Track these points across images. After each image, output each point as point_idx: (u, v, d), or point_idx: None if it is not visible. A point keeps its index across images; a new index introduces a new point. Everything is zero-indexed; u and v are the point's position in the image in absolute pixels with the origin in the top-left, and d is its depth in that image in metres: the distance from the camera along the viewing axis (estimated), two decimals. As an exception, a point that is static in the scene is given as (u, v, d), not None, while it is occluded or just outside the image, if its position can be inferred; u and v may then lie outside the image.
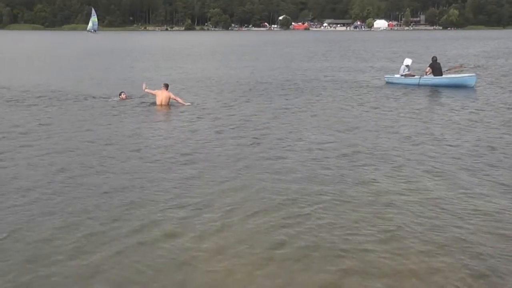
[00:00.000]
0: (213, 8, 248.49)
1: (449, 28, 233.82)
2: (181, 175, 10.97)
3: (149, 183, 10.38)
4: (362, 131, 15.51)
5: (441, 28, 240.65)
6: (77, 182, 10.43)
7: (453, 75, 26.23)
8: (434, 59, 25.94)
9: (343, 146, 13.52)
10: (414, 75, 26.50)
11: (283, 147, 13.44)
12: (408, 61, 27.15)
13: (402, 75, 26.70)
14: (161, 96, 19.63)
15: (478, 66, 36.91)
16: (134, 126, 16.34)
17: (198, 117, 17.87)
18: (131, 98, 21.39)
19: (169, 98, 19.71)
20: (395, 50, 65.47)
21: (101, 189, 10.05)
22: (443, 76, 25.81)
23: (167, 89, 19.84)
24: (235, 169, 11.37)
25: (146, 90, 20.15)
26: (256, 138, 14.56)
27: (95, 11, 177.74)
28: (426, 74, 25.95)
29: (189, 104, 20.18)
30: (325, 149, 13.13)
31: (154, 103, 19.91)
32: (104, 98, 21.97)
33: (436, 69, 25.72)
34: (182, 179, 10.66)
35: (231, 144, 13.83)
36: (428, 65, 26.58)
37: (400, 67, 27.41)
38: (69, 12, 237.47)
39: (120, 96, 21.28)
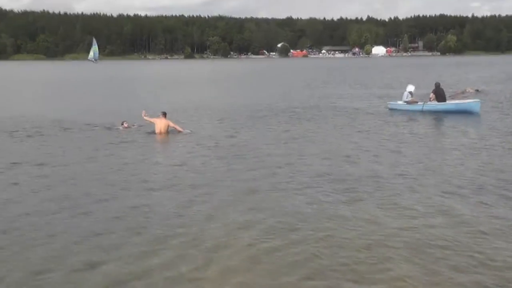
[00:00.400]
0: (212, 36, 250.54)
1: (448, 54, 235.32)
2: (185, 203, 10.89)
3: (152, 212, 10.34)
4: (366, 158, 15.32)
5: (439, 54, 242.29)
6: (81, 210, 10.41)
7: (457, 101, 26.12)
8: (438, 85, 25.85)
9: (345, 174, 13.32)
10: (417, 102, 26.36)
11: (285, 175, 13.24)
12: (411, 88, 27.02)
13: (405, 102, 26.57)
14: (160, 124, 19.65)
15: (480, 91, 36.86)
16: (138, 155, 16.24)
17: (199, 145, 17.77)
18: (133, 127, 21.27)
19: (168, 126, 19.76)
20: (395, 76, 65.53)
21: (104, 217, 10.03)
22: (447, 102, 25.71)
23: (165, 117, 19.90)
24: (238, 197, 11.24)
25: (145, 118, 20.14)
26: (258, 166, 14.41)
27: (96, 40, 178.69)
28: (430, 100, 25.81)
29: (188, 131, 20.15)
30: (328, 177, 12.93)
31: (153, 132, 19.88)
32: (106, 127, 21.84)
33: (439, 95, 25.60)
34: (186, 208, 10.58)
35: (234, 172, 13.71)
36: (431, 91, 26.46)
37: (403, 93, 27.27)
38: (71, 42, 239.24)
39: (122, 125, 21.21)
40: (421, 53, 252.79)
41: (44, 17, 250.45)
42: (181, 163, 14.91)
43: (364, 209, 10.32)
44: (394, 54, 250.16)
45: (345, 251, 8.27)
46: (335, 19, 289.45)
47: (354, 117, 24.96)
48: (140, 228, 9.33)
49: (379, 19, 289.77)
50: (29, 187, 12.20)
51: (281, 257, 8.06)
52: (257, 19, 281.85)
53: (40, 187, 12.23)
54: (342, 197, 11.14)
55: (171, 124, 19.91)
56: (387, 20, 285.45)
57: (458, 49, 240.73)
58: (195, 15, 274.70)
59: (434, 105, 25.57)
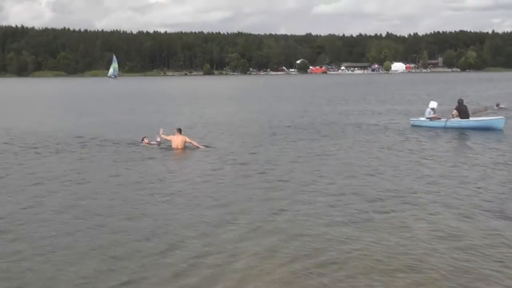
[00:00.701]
0: (232, 53, 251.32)
1: (467, 70, 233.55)
2: (210, 219, 10.93)
3: (177, 228, 10.38)
4: (389, 174, 15.21)
5: (459, 70, 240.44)
6: (106, 226, 10.54)
7: (481, 118, 25.78)
8: (461, 102, 25.59)
9: (370, 190, 13.22)
10: (440, 118, 26.08)
11: (308, 191, 13.19)
12: (433, 104, 26.78)
13: (427, 118, 26.29)
14: (177, 141, 20.08)
15: (504, 108, 36.37)
16: (160, 171, 16.31)
17: (220, 161, 17.89)
18: (154, 143, 21.21)
19: (185, 142, 20.13)
20: (415, 92, 65.18)
21: (130, 234, 10.05)
22: (471, 118, 25.38)
23: (180, 133, 20.31)
24: (262, 213, 11.27)
25: (162, 135, 20.56)
26: (280, 182, 14.40)
27: (116, 57, 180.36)
28: (452, 117, 25.50)
29: (204, 147, 20.38)
30: (352, 193, 12.86)
31: (171, 148, 20.22)
32: (128, 143, 21.86)
33: (462, 111, 25.30)
34: (210, 224, 10.60)
35: (256, 187, 13.74)
36: (454, 107, 26.17)
37: (426, 109, 27.01)
38: (91, 59, 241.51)
39: (143, 142, 21.21)
40: (440, 69, 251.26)
41: (65, 34, 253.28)
42: (205, 180, 14.94)
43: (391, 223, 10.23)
44: (413, 70, 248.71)
45: (380, 273, 8.10)
46: (354, 35, 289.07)
47: (377, 133, 24.78)
48: (168, 248, 9.31)
49: (398, 35, 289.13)
50: (53, 204, 12.16)
51: (310, 276, 7.97)
52: (276, 35, 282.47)
53: (64, 204, 12.17)
54: (369, 214, 11.03)
55: (188, 140, 20.30)
56: (406, 36, 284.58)
57: (478, 65, 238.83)
58: (214, 32, 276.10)
59: (457, 121, 25.24)
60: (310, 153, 19.37)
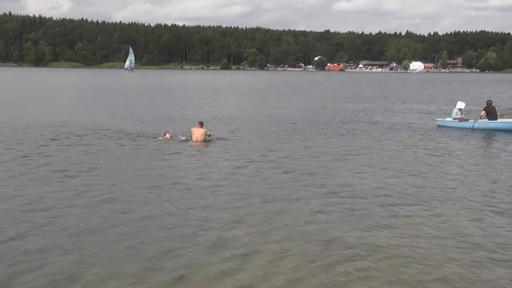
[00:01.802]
0: (249, 48, 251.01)
1: (487, 71, 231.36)
2: (230, 213, 10.80)
3: (199, 220, 10.27)
4: (417, 174, 14.85)
5: (478, 71, 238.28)
6: (130, 216, 10.46)
7: (509, 120, 24.97)
8: (489, 103, 24.90)
9: (399, 189, 12.98)
10: (467, 119, 25.39)
11: (330, 191, 12.76)
12: (461, 105, 26.15)
13: (454, 119, 25.61)
14: (197, 133, 20.23)
15: None
16: (183, 165, 16.12)
17: (238, 155, 17.87)
18: (176, 138, 20.83)
19: (204, 135, 20.25)
20: (436, 92, 64.47)
21: (151, 223, 10.04)
22: (499, 120, 24.63)
23: (201, 126, 20.44)
24: (281, 209, 11.08)
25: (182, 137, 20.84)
26: (301, 180, 14.03)
27: (134, 49, 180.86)
28: (481, 118, 24.80)
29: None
30: (375, 192, 12.63)
31: (191, 140, 20.33)
32: (149, 137, 21.46)
33: (491, 112, 24.59)
34: (230, 219, 10.42)
35: (276, 182, 13.63)
36: (482, 108, 25.48)
37: (453, 110, 26.37)
38: (108, 51, 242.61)
39: (165, 136, 20.87)
40: (459, 69, 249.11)
41: (83, 25, 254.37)
42: (226, 173, 14.83)
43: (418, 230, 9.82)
44: (432, 70, 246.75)
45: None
46: (373, 33, 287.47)
47: (401, 133, 24.24)
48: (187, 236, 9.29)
49: (418, 34, 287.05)
50: (77, 197, 11.83)
51: (330, 274, 7.83)
52: (294, 31, 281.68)
53: (87, 197, 11.83)
54: (392, 211, 10.90)
55: (208, 133, 20.45)
56: (426, 35, 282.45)
57: (498, 66, 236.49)
58: (232, 26, 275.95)
59: (485, 123, 24.55)
60: (334, 150, 19.01)
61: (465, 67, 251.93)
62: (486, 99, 26.14)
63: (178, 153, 18.05)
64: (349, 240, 9.13)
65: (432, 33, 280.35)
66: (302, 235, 9.38)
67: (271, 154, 17.88)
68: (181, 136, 20.83)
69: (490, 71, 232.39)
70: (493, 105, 25.11)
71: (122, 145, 19.64)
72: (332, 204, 11.40)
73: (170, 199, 11.72)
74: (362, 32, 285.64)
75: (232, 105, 40.78)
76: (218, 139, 21.00)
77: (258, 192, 12.45)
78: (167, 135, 20.90)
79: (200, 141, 20.08)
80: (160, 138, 20.87)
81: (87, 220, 10.02)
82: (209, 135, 20.47)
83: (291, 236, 9.32)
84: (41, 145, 19.09)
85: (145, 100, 46.00)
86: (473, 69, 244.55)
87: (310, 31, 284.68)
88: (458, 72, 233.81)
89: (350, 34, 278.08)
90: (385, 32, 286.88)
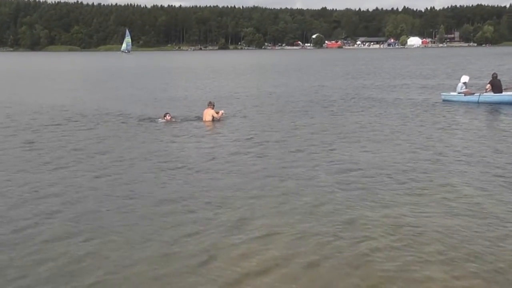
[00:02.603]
0: (247, 28, 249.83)
1: (484, 45, 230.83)
2: (246, 194, 10.68)
3: (215, 202, 10.12)
4: (427, 149, 14.78)
5: (475, 45, 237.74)
6: (145, 201, 10.29)
7: (515, 92, 24.81)
8: (495, 76, 24.70)
9: (407, 164, 12.94)
10: (472, 93, 25.25)
11: (345, 168, 12.71)
12: (465, 78, 25.97)
13: (459, 93, 25.48)
14: (206, 114, 20.67)
15: None
16: (191, 146, 15.93)
17: (249, 134, 17.66)
18: (176, 120, 20.71)
19: (212, 115, 20.54)
20: (436, 67, 63.99)
21: (168, 207, 9.92)
22: (504, 93, 24.49)
23: (212, 108, 20.79)
24: (297, 188, 10.95)
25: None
26: (304, 155, 14.18)
27: (130, 32, 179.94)
28: (486, 91, 24.65)
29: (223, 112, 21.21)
30: (387, 169, 12.51)
31: (200, 120, 20.68)
32: (149, 118, 21.32)
33: (496, 86, 24.41)
34: (246, 200, 10.28)
35: (288, 161, 13.50)
36: (488, 81, 25.32)
37: (457, 84, 26.21)
38: (104, 34, 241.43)
39: (166, 118, 20.62)
40: (457, 44, 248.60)
41: (78, 8, 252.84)
42: (226, 151, 14.92)
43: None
44: (430, 45, 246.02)
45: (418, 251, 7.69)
46: (370, 9, 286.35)
47: (407, 108, 24.00)
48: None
49: (415, 9, 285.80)
50: (90, 181, 11.67)
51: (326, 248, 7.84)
52: (292, 9, 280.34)
53: (99, 182, 11.66)
54: (403, 190, 10.71)
55: (215, 114, 20.65)
56: (423, 10, 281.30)
57: (494, 40, 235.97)
58: (229, 6, 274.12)
59: (491, 96, 24.40)
60: (341, 128, 18.88)
61: (462, 41, 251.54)
62: (491, 73, 25.91)
63: (185, 134, 17.90)
64: (369, 218, 9.01)
65: (429, 8, 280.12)
66: (321, 214, 9.26)
67: (277, 134, 17.75)
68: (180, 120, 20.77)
69: (487, 44, 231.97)
70: (498, 78, 24.93)
71: (127, 128, 19.48)
72: (346, 182, 11.28)
73: (184, 181, 11.58)
74: (359, 9, 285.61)
75: (233, 85, 40.64)
76: (225, 119, 20.92)
77: (271, 172, 12.30)
78: (168, 117, 20.60)
79: (208, 121, 20.33)
80: (160, 120, 20.60)
81: (102, 206, 9.87)
82: (219, 116, 20.62)
83: (310, 216, 9.19)
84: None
85: (144, 82, 45.79)
86: (470, 43, 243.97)
87: (307, 9, 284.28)
88: (456, 46, 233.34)
89: (347, 11, 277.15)
90: (382, 8, 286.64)
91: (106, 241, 8.19)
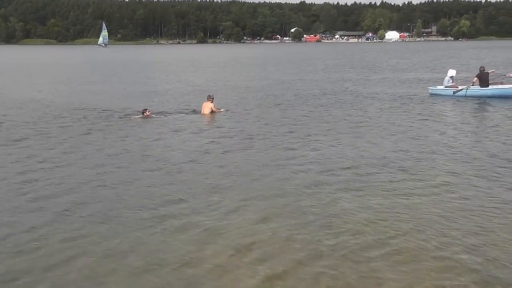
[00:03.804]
0: (225, 21, 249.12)
1: (461, 39, 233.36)
2: (214, 183, 10.83)
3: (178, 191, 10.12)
4: (413, 142, 14.77)
5: (452, 39, 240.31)
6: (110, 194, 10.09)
7: (502, 86, 24.96)
8: (482, 70, 24.73)
9: (391, 158, 12.85)
10: (458, 86, 25.38)
11: (320, 159, 12.78)
12: (452, 72, 26.04)
13: (446, 87, 25.59)
14: (205, 106, 20.84)
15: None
16: (162, 141, 15.48)
17: (228, 130, 17.27)
18: (155, 115, 20.21)
19: (211, 109, 20.72)
20: (418, 61, 64.32)
21: (133, 196, 10.00)
22: (490, 87, 24.64)
23: (210, 101, 20.89)
24: (279, 185, 10.69)
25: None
26: (291, 150, 14.02)
27: (108, 25, 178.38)
28: (472, 85, 24.78)
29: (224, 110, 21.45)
30: (371, 161, 12.49)
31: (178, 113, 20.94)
32: (128, 114, 20.67)
33: (483, 80, 24.53)
34: (214, 187, 10.56)
35: (271, 158, 13.16)
36: (475, 75, 25.46)
37: (444, 78, 26.31)
38: (81, 27, 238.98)
39: (145, 113, 19.91)
40: (434, 38, 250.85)
41: (54, 1, 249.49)
42: (215, 145, 14.72)
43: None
44: (407, 39, 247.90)
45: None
46: (348, 4, 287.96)
47: (394, 102, 23.87)
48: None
49: (393, 4, 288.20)
50: (92, 181, 11.16)
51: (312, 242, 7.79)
52: (270, 3, 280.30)
53: (100, 181, 11.16)
54: (384, 183, 10.70)
55: (213, 108, 20.87)
56: (401, 5, 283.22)
57: (471, 34, 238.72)
58: (208, 0, 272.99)
59: (478, 90, 24.51)
60: (323, 121, 18.75)
61: (440, 35, 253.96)
62: (476, 66, 26.05)
63: (164, 130, 17.45)
64: (351, 210, 9.06)
65: (406, 3, 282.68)
66: (302, 209, 9.18)
67: (259, 128, 17.40)
68: (156, 115, 20.27)
69: (464, 39, 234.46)
70: (485, 71, 25.04)
71: (106, 123, 18.78)
72: (331, 176, 11.18)
73: (163, 178, 11.31)
74: (338, 3, 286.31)
75: (213, 78, 40.40)
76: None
77: (250, 168, 12.00)
78: (147, 112, 19.93)
79: (206, 114, 20.56)
80: (137, 116, 19.88)
81: (108, 206, 9.52)
82: (214, 111, 20.81)
83: (292, 210, 9.13)
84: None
85: (123, 76, 45.10)
86: (448, 37, 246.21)
87: (286, 3, 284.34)
88: (433, 40, 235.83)
89: (326, 5, 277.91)
90: (360, 3, 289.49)
91: (118, 244, 7.92)
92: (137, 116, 19.89)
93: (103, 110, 22.23)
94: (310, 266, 7.02)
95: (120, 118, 19.99)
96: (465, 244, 7.58)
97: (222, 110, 21.30)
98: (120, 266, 7.09)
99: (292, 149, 14.08)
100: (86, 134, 16.84)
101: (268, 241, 7.81)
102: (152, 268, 7.02)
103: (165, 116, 20.35)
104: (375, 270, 6.87)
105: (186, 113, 21.02)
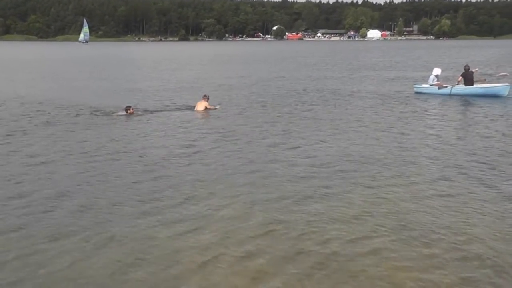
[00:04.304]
0: (207, 19, 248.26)
1: (441, 38, 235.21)
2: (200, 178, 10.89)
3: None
4: (398, 140, 14.88)
5: (433, 38, 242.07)
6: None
7: (486, 85, 25.29)
8: (467, 68, 25.02)
9: (376, 153, 13.08)
10: (443, 85, 25.66)
11: (304, 157, 12.81)
12: (437, 71, 26.25)
13: (431, 85, 25.87)
14: (199, 105, 20.98)
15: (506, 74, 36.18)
16: (147, 138, 15.33)
17: (212, 125, 17.38)
18: (139, 113, 19.96)
19: (205, 107, 20.82)
20: (401, 59, 64.77)
21: (117, 192, 9.98)
22: (475, 85, 24.99)
23: (207, 101, 21.12)
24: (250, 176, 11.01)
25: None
26: (276, 147, 14.00)
27: (90, 21, 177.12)
28: (457, 83, 25.11)
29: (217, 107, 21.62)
30: (355, 158, 12.60)
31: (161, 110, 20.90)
32: (111, 112, 20.31)
33: (468, 78, 24.83)
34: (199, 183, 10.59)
35: (255, 155, 13.11)
36: (460, 74, 25.78)
37: (429, 76, 26.55)
38: (62, 23, 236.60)
39: (128, 111, 19.56)
40: (415, 37, 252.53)
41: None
42: (201, 142, 14.59)
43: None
44: (389, 38, 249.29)
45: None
46: (330, 2, 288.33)
47: (379, 100, 23.95)
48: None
49: (374, 2, 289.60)
50: (86, 179, 11.00)
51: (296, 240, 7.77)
52: (253, 1, 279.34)
53: (95, 182, 10.91)
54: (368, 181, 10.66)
55: (209, 106, 20.99)
56: (382, 4, 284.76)
57: (452, 33, 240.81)
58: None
59: (463, 88, 24.80)
60: (305, 120, 18.71)
61: (421, 34, 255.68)
62: (464, 65, 26.25)
63: (148, 127, 17.34)
64: (334, 208, 9.10)
65: (388, 2, 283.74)
66: (283, 206, 9.18)
67: (243, 126, 17.30)
68: (140, 112, 20.14)
69: (445, 38, 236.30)
70: (470, 70, 25.34)
71: (88, 121, 18.52)
72: (315, 173, 11.26)
73: (146, 174, 11.25)
74: (320, 1, 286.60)
75: (196, 75, 40.33)
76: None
77: (232, 165, 11.99)
78: (131, 110, 19.61)
79: (201, 111, 20.63)
80: (120, 113, 19.59)
81: (91, 203, 9.42)
82: (208, 108, 20.87)
83: (273, 208, 9.10)
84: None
85: (105, 73, 44.69)
86: (429, 36, 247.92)
87: (268, 1, 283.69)
88: (414, 39, 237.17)
89: (308, 3, 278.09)
90: (342, 1, 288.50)
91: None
92: (120, 114, 19.59)
93: (85, 107, 21.95)
94: (294, 262, 7.01)
95: (103, 115, 19.71)
96: (448, 241, 7.64)
97: (217, 107, 21.47)
98: (104, 262, 7.05)
99: (276, 145, 14.12)
100: (68, 131, 16.59)
101: (253, 237, 7.80)
102: (137, 263, 7.00)
103: (149, 113, 20.15)
104: (360, 266, 6.90)
105: (170, 110, 20.95)
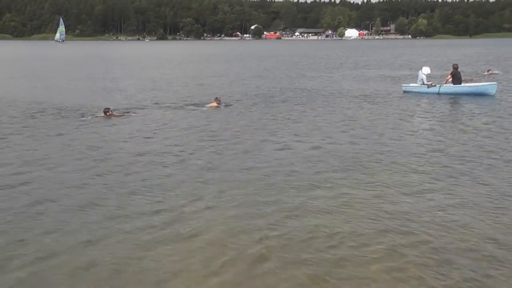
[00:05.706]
0: (185, 18, 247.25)
1: (418, 37, 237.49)
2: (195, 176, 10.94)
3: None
4: (386, 139, 14.99)
5: (410, 37, 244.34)
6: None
7: (474, 84, 25.51)
8: (456, 67, 25.16)
9: (365, 152, 13.20)
10: (432, 84, 25.76)
11: (289, 157, 12.80)
12: (426, 70, 26.37)
13: (425, 84, 25.91)
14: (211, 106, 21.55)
15: (495, 73, 36.63)
16: (127, 141, 14.95)
17: (186, 125, 17.01)
18: (118, 114, 19.37)
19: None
20: (381, 58, 65.03)
21: (96, 194, 9.83)
22: (463, 84, 25.15)
23: (218, 103, 21.63)
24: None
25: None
26: (262, 144, 14.12)
27: (66, 20, 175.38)
28: (446, 83, 25.25)
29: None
30: (343, 157, 12.68)
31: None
32: (90, 114, 19.68)
33: (457, 78, 24.98)
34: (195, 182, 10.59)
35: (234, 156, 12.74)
36: (449, 73, 25.93)
37: (419, 75, 26.60)
38: (39, 22, 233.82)
39: (107, 113, 18.98)
40: (392, 36, 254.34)
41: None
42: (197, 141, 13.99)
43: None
44: (366, 37, 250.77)
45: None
46: (308, 1, 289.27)
47: (367, 99, 23.96)
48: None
49: (352, 2, 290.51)
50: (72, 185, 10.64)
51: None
52: (230, 0, 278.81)
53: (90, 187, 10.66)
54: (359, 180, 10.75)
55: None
56: (360, 3, 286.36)
57: (428, 33, 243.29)
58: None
59: (451, 87, 24.95)
60: (288, 118, 18.80)
61: (398, 33, 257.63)
62: (453, 64, 26.37)
63: (127, 129, 16.87)
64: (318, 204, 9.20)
65: (365, 1, 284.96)
66: (266, 204, 9.22)
67: (226, 125, 17.24)
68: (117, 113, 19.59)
69: (422, 37, 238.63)
70: (459, 69, 25.50)
71: (65, 123, 18.03)
72: (299, 172, 11.31)
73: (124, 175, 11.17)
74: (298, 0, 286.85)
75: (175, 74, 40.16)
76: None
77: (213, 165, 11.95)
78: (110, 112, 19.06)
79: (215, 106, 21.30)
80: (98, 115, 19.11)
81: (71, 204, 9.25)
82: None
83: (254, 206, 9.12)
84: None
85: (82, 72, 43.89)
86: (406, 36, 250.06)
87: (246, 0, 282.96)
88: (392, 38, 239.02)
89: (286, 2, 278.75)
90: (320, 0, 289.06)
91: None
92: (99, 116, 19.05)
93: (62, 108, 21.53)
94: (294, 265, 6.95)
95: (82, 117, 19.16)
96: (427, 240, 7.66)
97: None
98: (86, 264, 6.97)
99: (260, 144, 14.13)
100: (45, 133, 16.19)
101: (239, 237, 7.77)
102: (119, 265, 6.93)
103: (129, 115, 19.67)
104: (341, 266, 6.90)
105: (150, 110, 20.66)
